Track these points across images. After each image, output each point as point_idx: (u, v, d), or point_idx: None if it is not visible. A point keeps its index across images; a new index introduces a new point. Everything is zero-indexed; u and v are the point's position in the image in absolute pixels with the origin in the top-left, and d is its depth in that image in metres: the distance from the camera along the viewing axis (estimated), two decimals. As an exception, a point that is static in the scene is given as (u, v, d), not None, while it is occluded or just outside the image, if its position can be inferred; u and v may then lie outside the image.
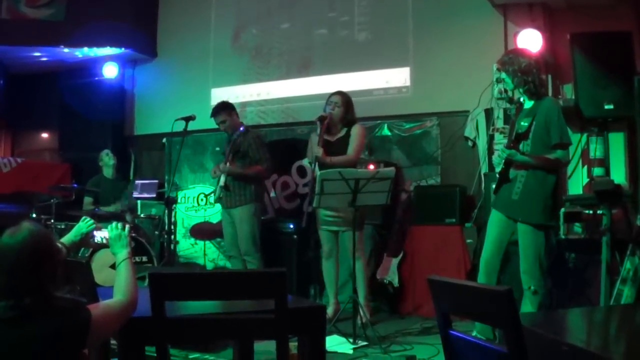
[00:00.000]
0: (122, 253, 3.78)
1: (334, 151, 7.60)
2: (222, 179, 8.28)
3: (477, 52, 8.60)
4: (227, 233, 8.59)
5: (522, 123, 6.10)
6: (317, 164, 7.40)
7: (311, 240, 8.09)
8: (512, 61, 6.23)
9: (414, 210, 8.72)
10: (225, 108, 8.65)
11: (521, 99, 6.18)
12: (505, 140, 6.33)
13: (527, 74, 6.14)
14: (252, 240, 8.35)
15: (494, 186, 6.39)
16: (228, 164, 8.26)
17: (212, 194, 8.93)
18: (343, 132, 7.76)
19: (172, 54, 11.76)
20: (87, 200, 10.04)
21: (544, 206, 6.08)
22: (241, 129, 8.35)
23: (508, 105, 7.11)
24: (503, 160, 6.08)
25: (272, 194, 10.04)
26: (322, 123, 7.56)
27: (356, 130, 7.75)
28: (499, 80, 6.71)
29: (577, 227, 7.58)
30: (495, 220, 6.36)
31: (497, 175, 6.28)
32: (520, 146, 6.06)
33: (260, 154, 8.41)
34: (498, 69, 6.48)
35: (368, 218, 8.02)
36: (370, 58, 9.92)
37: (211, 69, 11.33)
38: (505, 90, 6.56)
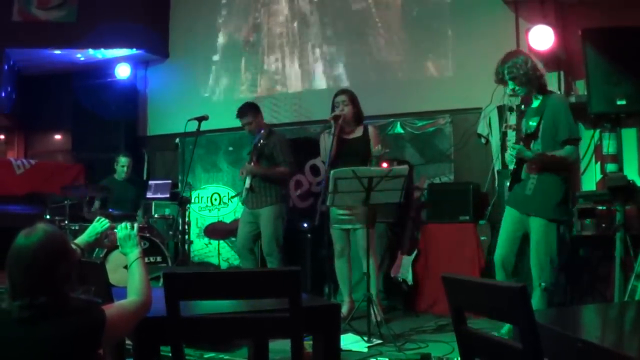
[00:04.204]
0: (133, 253, 3.79)
1: (351, 149, 7.63)
2: (248, 180, 8.34)
3: (488, 49, 8.55)
4: (241, 232, 8.65)
5: (531, 123, 6.15)
6: (329, 164, 7.45)
7: (325, 239, 8.10)
8: (513, 63, 6.18)
9: (428, 207, 8.72)
10: (251, 109, 8.71)
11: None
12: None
13: (530, 74, 6.15)
14: (275, 241, 8.43)
15: (507, 184, 6.42)
16: (252, 164, 8.31)
17: (239, 196, 8.94)
18: (360, 132, 7.80)
19: (183, 54, 11.77)
20: (96, 204, 10.05)
21: (558, 201, 6.14)
22: (262, 130, 8.36)
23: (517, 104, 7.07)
24: (514, 158, 6.12)
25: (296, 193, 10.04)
26: (336, 122, 7.58)
27: (375, 135, 7.82)
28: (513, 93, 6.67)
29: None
30: (509, 218, 6.43)
31: (510, 174, 6.30)
32: (531, 146, 6.10)
33: (285, 155, 8.47)
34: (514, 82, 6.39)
35: (382, 216, 8.03)
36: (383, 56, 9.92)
37: (223, 69, 11.34)
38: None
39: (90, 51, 11.54)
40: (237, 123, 8.83)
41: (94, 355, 3.14)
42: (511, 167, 6.31)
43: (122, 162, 10.20)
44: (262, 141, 8.26)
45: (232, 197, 10.44)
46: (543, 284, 6.08)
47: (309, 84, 10.50)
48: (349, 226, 7.68)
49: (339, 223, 7.73)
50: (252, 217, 8.56)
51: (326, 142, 7.69)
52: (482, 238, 8.23)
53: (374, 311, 6.90)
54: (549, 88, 6.40)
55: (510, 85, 6.27)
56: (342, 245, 7.80)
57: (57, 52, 11.50)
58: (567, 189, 6.26)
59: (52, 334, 2.95)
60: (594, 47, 7.48)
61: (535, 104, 6.27)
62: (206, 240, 10.67)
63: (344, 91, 7.95)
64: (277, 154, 8.44)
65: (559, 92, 6.58)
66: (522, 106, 6.52)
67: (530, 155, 6.07)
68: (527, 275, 6.43)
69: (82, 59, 11.85)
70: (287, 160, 8.50)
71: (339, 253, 7.82)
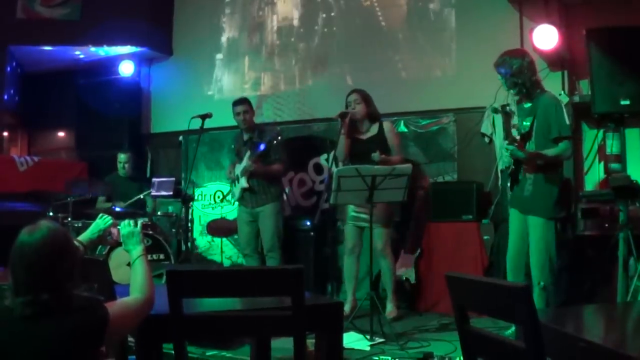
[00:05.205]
0: (137, 250, 3.79)
1: (366, 149, 7.62)
2: (243, 180, 8.34)
3: (492, 48, 8.53)
4: (244, 232, 8.66)
5: (525, 123, 6.29)
6: (337, 161, 7.46)
7: (328, 237, 8.10)
8: (504, 63, 6.37)
9: (431, 206, 8.71)
10: (249, 101, 8.77)
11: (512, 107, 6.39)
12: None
13: (517, 76, 6.28)
14: (276, 237, 8.47)
15: (508, 184, 6.57)
16: (254, 164, 8.32)
17: (230, 195, 8.94)
18: (374, 130, 7.83)
19: (187, 51, 11.75)
20: (101, 198, 10.08)
21: (555, 200, 6.29)
22: (267, 138, 8.40)
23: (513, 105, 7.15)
24: (509, 158, 6.25)
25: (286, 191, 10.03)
26: (342, 120, 7.58)
27: (392, 132, 7.91)
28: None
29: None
30: (514, 218, 6.56)
31: (508, 175, 6.42)
32: (527, 146, 6.19)
33: (279, 153, 8.50)
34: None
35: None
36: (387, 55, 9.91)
37: (226, 67, 11.33)
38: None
39: (94, 49, 11.53)
40: (241, 121, 8.83)
41: (96, 352, 3.14)
42: (501, 167, 6.44)
43: (121, 159, 10.20)
44: (272, 140, 8.30)
45: (226, 194, 10.45)
46: (542, 283, 6.20)
47: (313, 83, 10.47)
48: (365, 224, 7.63)
49: (354, 220, 7.73)
50: (252, 217, 8.58)
51: (341, 144, 7.73)
52: (485, 237, 8.23)
53: (387, 307, 6.95)
54: (552, 87, 6.48)
55: (504, 87, 6.51)
56: (354, 242, 7.81)
57: (60, 49, 11.50)
58: (562, 187, 6.37)
59: (55, 331, 2.95)
60: (598, 47, 7.48)
61: (528, 104, 6.37)
62: (209, 237, 10.66)
63: (355, 90, 7.96)
64: (273, 151, 8.47)
65: (549, 92, 6.61)
66: (512, 105, 6.63)
67: (523, 155, 6.16)
68: (528, 276, 6.46)
69: (82, 56, 11.84)
70: (281, 158, 8.55)
71: (350, 250, 7.83)
